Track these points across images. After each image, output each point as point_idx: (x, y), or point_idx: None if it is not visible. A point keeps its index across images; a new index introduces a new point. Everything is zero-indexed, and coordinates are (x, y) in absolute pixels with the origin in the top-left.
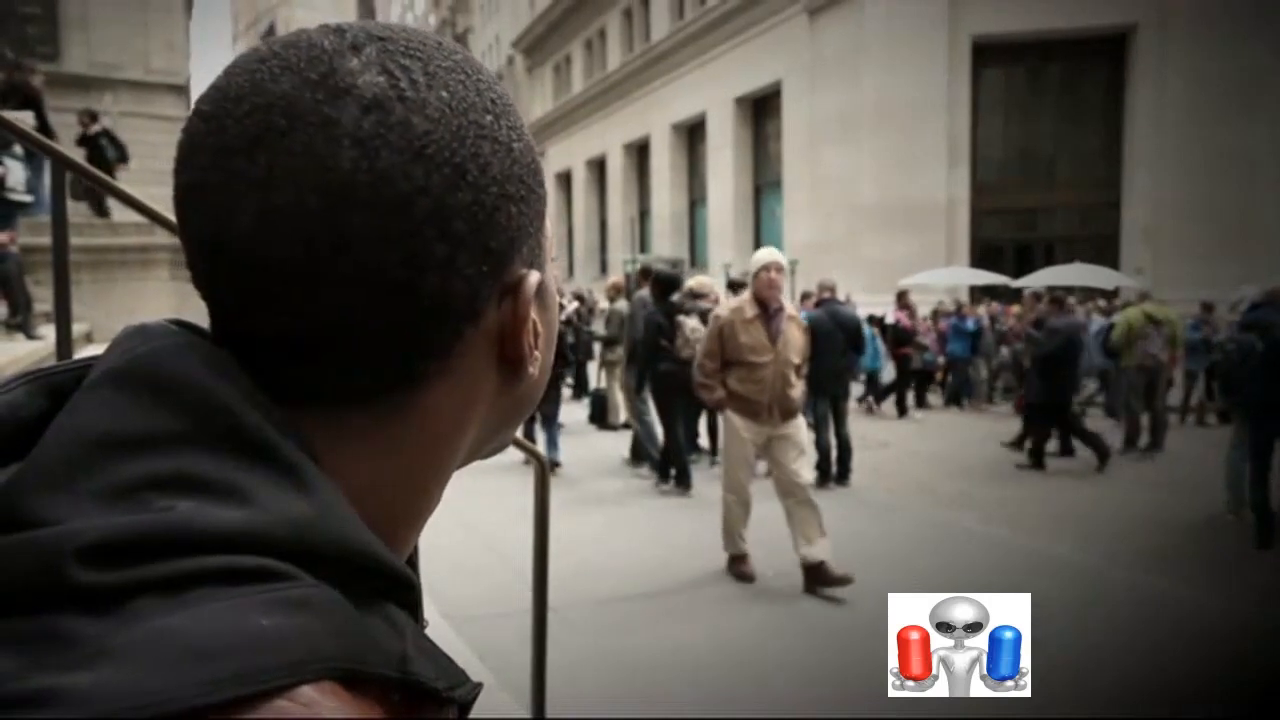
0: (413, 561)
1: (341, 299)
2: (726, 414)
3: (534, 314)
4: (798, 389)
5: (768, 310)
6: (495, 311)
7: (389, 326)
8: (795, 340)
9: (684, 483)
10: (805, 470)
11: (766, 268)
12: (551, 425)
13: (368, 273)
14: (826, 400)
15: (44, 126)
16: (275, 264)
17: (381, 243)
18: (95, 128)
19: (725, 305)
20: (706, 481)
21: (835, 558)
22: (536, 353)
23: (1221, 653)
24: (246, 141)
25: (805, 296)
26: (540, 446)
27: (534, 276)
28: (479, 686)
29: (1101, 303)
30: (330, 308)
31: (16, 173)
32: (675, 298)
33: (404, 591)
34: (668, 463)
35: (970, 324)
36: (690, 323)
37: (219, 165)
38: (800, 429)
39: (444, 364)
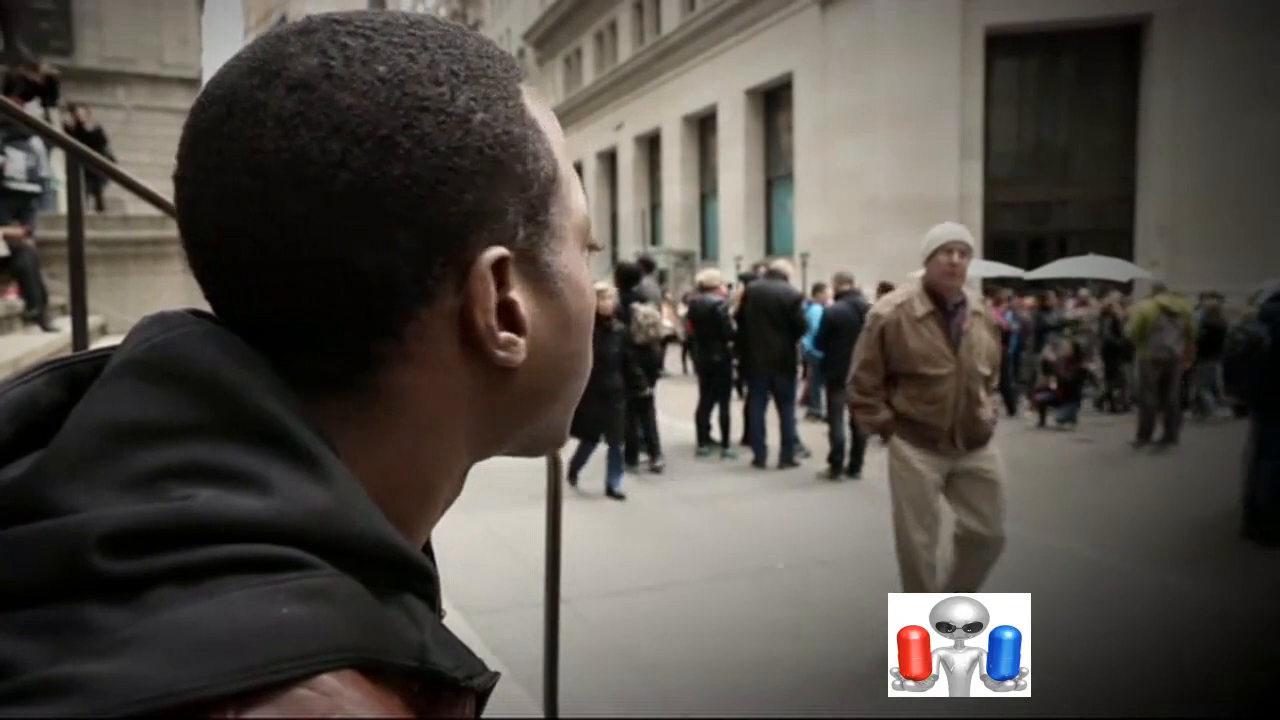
0: (429, 552)
1: (287, 280)
2: (893, 443)
3: (519, 295)
4: (988, 408)
5: (945, 305)
6: (455, 292)
7: (334, 306)
8: (984, 344)
9: (629, 459)
10: (1000, 517)
11: (947, 248)
12: (613, 450)
13: (303, 251)
14: (840, 393)
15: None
16: (231, 249)
17: (309, 221)
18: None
19: (886, 300)
20: (713, 474)
21: (848, 552)
22: (511, 336)
23: (1234, 648)
24: (203, 133)
25: (818, 289)
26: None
27: (491, 253)
28: (496, 676)
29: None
30: (280, 289)
31: (18, 162)
32: (635, 288)
33: (422, 582)
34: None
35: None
36: (643, 309)
37: (188, 158)
38: (995, 460)
39: (400, 346)
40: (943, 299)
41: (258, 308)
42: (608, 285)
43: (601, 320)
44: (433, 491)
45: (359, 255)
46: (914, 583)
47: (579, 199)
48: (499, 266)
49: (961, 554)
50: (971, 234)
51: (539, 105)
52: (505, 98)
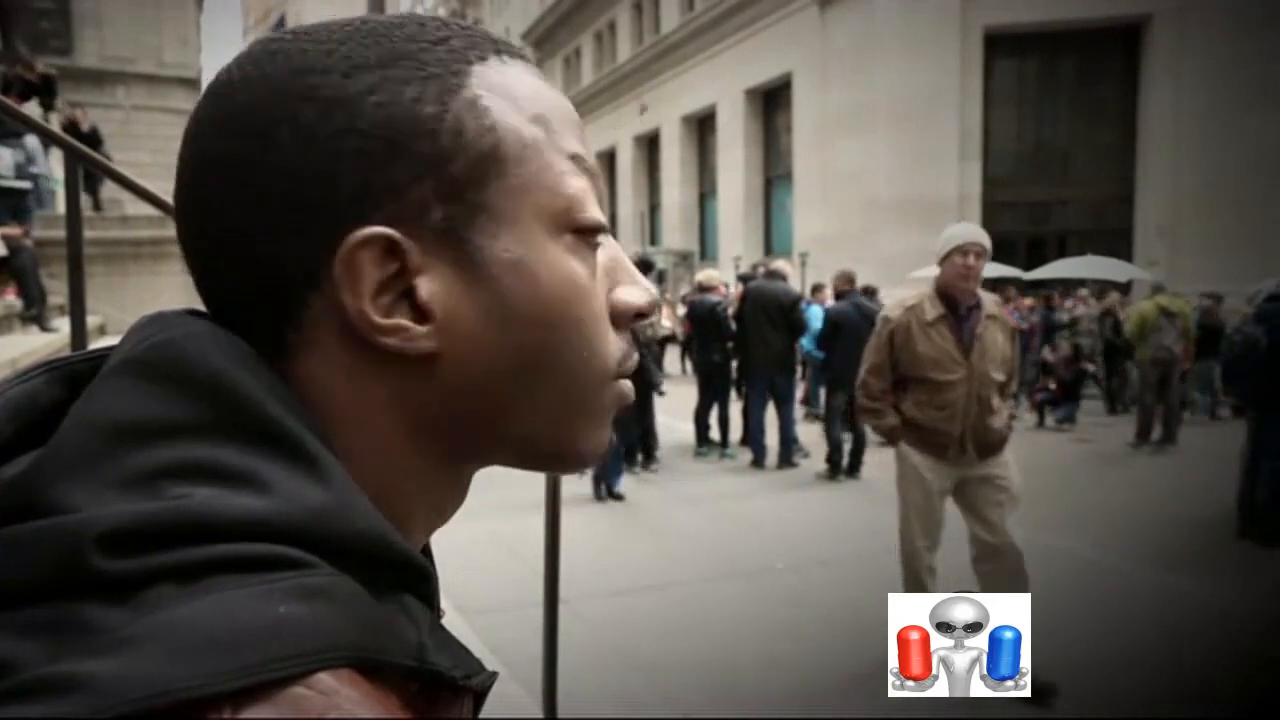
0: (427, 552)
1: (214, 267)
2: (900, 450)
3: (432, 279)
4: (1001, 416)
5: (958, 309)
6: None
7: (245, 293)
8: (998, 348)
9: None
10: (1012, 524)
11: (963, 250)
12: (614, 450)
13: (215, 242)
14: (844, 395)
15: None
16: (184, 241)
17: (211, 212)
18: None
19: (896, 302)
20: (712, 474)
21: (848, 552)
22: (399, 322)
23: (1233, 648)
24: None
25: (817, 289)
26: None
27: (361, 233)
28: (494, 675)
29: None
30: (213, 277)
31: (6, 159)
32: None
33: (420, 582)
34: None
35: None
36: None
37: None
38: (1008, 468)
39: (301, 334)
40: (956, 302)
41: (207, 295)
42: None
43: None
44: (388, 491)
45: (255, 243)
46: (915, 584)
47: (554, 179)
48: (394, 248)
49: (977, 570)
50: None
51: (511, 79)
52: (426, 79)
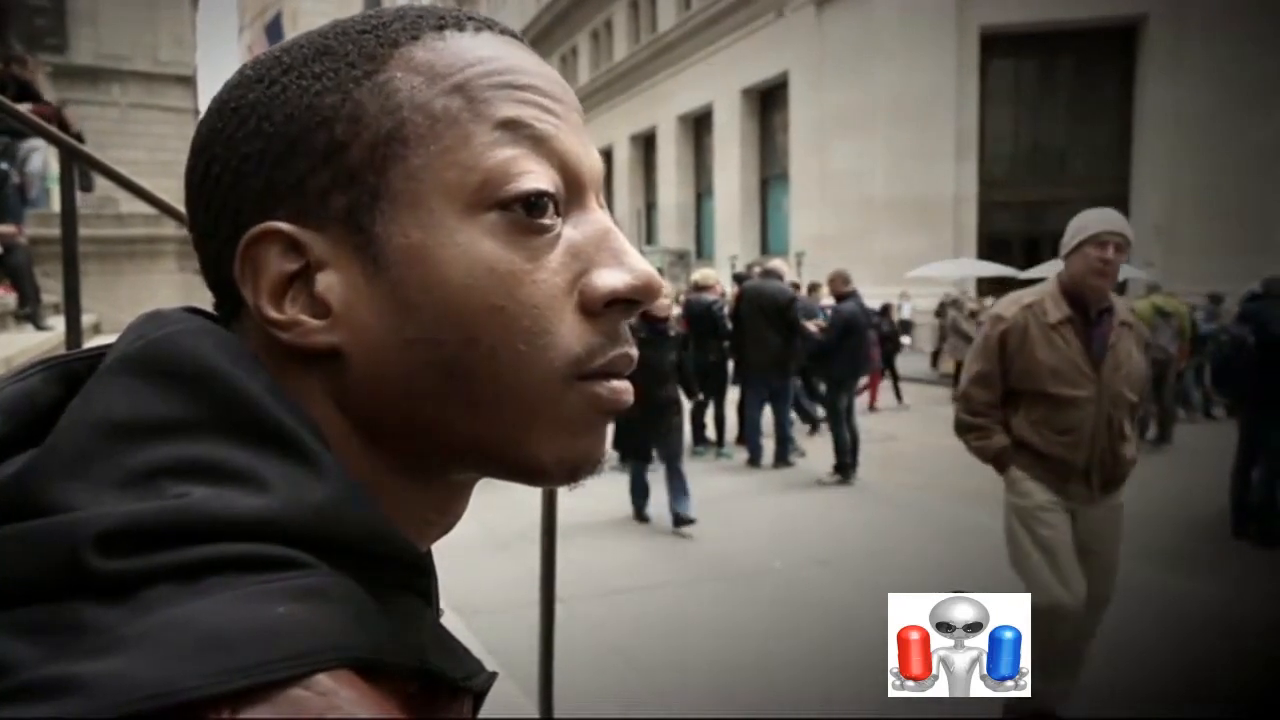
0: (427, 555)
1: (201, 269)
2: (1012, 476)
3: (334, 272)
4: (1132, 444)
5: (1087, 312)
6: None
7: (213, 289)
8: (1134, 364)
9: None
10: (1114, 579)
11: (1099, 240)
12: (672, 469)
13: (194, 245)
14: (846, 394)
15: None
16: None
17: (190, 220)
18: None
19: (1011, 299)
20: (708, 474)
21: (846, 551)
22: (294, 317)
23: (1230, 648)
24: None
25: (814, 288)
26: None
27: (254, 229)
28: (494, 676)
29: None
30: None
31: None
32: None
33: (419, 577)
34: None
35: None
36: None
37: None
38: (1121, 510)
39: (242, 328)
40: (1085, 303)
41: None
42: (668, 283)
43: (654, 323)
44: (389, 497)
45: (207, 246)
46: (1072, 653)
47: (469, 153)
48: (294, 243)
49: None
50: (966, 234)
51: (441, 53)
52: (336, 69)
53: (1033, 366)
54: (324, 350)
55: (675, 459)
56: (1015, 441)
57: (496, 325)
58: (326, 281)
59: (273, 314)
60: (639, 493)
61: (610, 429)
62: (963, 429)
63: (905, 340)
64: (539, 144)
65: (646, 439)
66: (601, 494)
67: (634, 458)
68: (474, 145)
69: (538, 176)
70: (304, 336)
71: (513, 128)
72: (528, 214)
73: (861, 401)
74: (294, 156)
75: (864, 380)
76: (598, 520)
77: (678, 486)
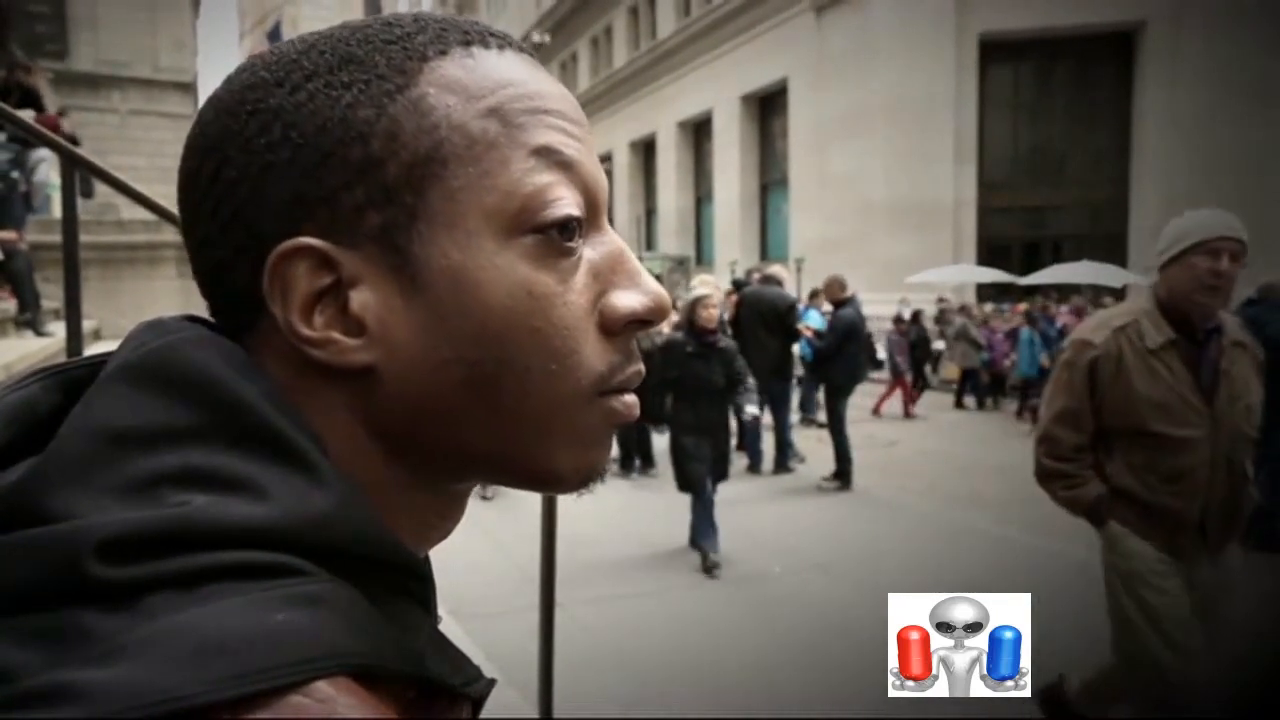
0: (425, 561)
1: (197, 278)
2: (1110, 533)
3: (367, 290)
4: (1251, 486)
5: (1194, 333)
6: None
7: (213, 299)
8: (1250, 391)
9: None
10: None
11: (1211, 248)
12: (699, 499)
13: (191, 253)
14: (846, 400)
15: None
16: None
17: (185, 226)
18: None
19: (1099, 321)
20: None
21: (846, 556)
22: (329, 335)
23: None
24: None
25: (814, 295)
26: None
27: (286, 244)
28: (492, 682)
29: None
30: (199, 285)
31: None
32: None
33: (418, 583)
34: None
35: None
36: None
37: None
38: (1235, 566)
39: (259, 343)
40: (1190, 323)
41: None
42: (711, 291)
43: (702, 335)
44: (390, 507)
45: (213, 256)
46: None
47: (508, 177)
48: (327, 259)
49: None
50: (965, 238)
51: (472, 72)
52: (368, 81)
53: (1131, 401)
54: (358, 369)
55: (696, 486)
56: (1113, 490)
57: (532, 346)
58: (361, 300)
59: (306, 331)
60: (703, 533)
61: (669, 460)
62: (1047, 476)
63: (938, 345)
64: (568, 170)
65: (702, 467)
66: (603, 497)
67: (690, 490)
68: (512, 170)
69: (570, 203)
70: (339, 355)
71: (546, 154)
72: (562, 238)
73: (866, 406)
74: (326, 170)
75: (884, 388)
76: (599, 525)
77: (703, 517)
